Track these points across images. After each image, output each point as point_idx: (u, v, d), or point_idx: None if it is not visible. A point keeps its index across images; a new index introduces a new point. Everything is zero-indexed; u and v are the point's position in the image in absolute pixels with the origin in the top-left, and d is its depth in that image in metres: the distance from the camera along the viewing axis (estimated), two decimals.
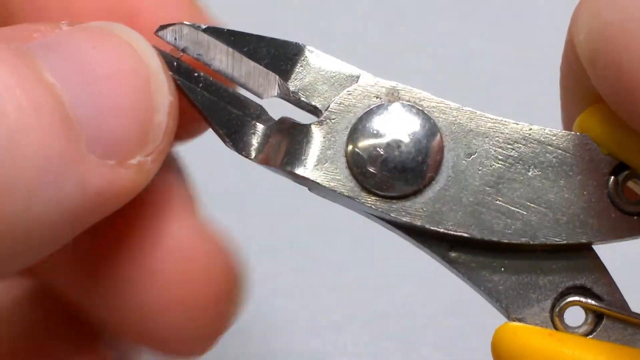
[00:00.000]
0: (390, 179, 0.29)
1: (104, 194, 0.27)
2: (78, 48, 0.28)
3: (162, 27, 0.31)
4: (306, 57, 0.31)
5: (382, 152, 0.29)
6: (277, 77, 0.30)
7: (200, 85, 0.30)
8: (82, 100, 0.27)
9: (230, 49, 0.30)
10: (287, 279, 0.54)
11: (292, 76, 0.30)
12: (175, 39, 0.30)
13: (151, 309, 0.30)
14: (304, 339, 0.57)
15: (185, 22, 0.30)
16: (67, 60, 0.27)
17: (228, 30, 0.31)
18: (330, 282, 0.54)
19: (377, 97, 0.30)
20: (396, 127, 0.30)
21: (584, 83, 0.29)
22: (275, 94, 0.31)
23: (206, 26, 0.31)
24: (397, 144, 0.30)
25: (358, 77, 0.30)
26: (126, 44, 0.28)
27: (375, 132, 0.30)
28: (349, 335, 0.56)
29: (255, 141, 0.30)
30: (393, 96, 0.30)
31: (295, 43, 0.31)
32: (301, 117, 0.31)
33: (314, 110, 0.31)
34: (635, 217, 0.29)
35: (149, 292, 0.30)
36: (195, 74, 0.30)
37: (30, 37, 0.28)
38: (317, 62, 0.31)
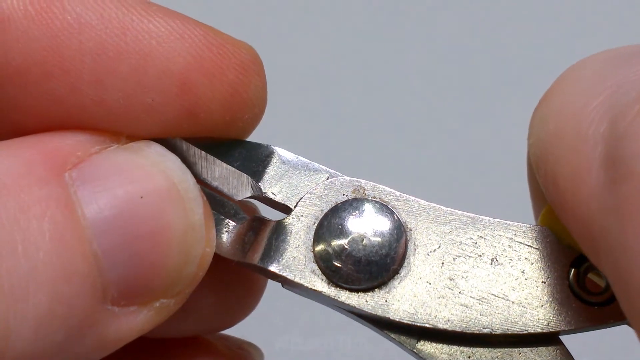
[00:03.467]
0: (356, 273, 0.30)
1: (121, 339, 0.28)
2: (119, 196, 0.27)
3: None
4: (276, 158, 0.32)
5: (347, 248, 0.30)
6: (250, 178, 0.32)
7: None
8: (118, 262, 0.27)
9: (204, 153, 0.31)
10: None
11: (264, 177, 0.32)
12: None
13: None
14: (304, 339, 0.58)
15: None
16: (108, 213, 0.27)
17: (200, 137, 0.31)
18: None
19: (343, 195, 0.31)
20: (361, 223, 0.31)
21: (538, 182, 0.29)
22: (249, 195, 0.32)
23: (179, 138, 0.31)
24: (362, 239, 0.30)
25: (326, 173, 0.32)
26: (172, 189, 0.28)
27: (340, 228, 0.31)
28: (349, 335, 0.57)
29: (228, 238, 0.31)
30: (358, 193, 0.31)
31: (265, 145, 0.32)
32: (274, 214, 0.32)
33: (286, 208, 0.32)
34: (596, 307, 0.30)
35: None
36: None
37: (68, 159, 0.27)
38: (287, 161, 0.32)
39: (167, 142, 0.31)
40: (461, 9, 0.63)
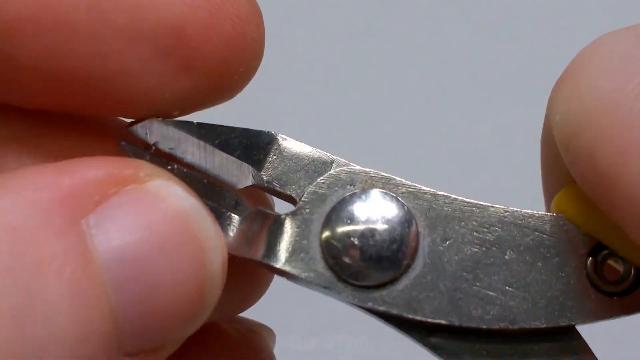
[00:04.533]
0: (366, 269, 0.29)
1: None
2: (138, 247, 0.26)
3: (132, 124, 0.30)
4: (279, 145, 0.30)
5: (356, 242, 0.29)
6: (251, 167, 0.30)
7: None
8: (134, 315, 0.26)
9: (202, 142, 0.30)
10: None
11: (266, 165, 0.30)
12: (146, 134, 0.30)
13: None
14: (304, 339, 0.57)
15: (154, 118, 0.30)
16: (127, 265, 0.26)
17: (198, 123, 0.30)
18: None
19: (350, 185, 0.30)
20: (370, 216, 0.29)
21: (561, 161, 0.28)
22: (250, 184, 0.30)
23: (175, 120, 0.30)
24: (372, 233, 0.29)
25: (332, 162, 0.30)
26: (192, 240, 0.27)
27: (349, 221, 0.29)
28: (349, 335, 0.56)
29: (230, 232, 0.30)
30: (367, 183, 0.30)
31: (267, 132, 0.30)
32: (278, 204, 0.31)
33: (290, 199, 0.30)
34: (615, 298, 0.29)
35: None
36: (169, 167, 0.30)
37: (85, 205, 0.26)
38: (290, 149, 0.30)
39: (164, 129, 0.30)
40: (462, 5, 0.63)
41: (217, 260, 0.28)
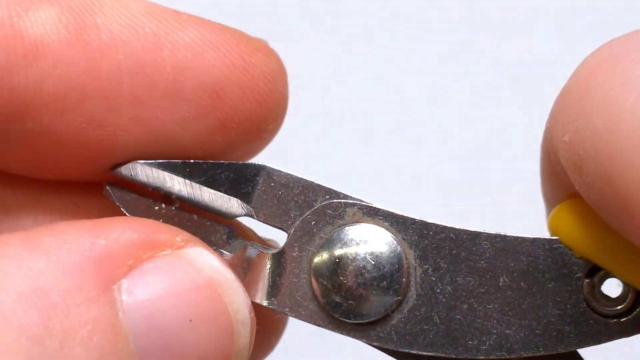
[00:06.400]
0: (358, 307, 0.29)
1: None
2: (167, 319, 0.26)
3: (115, 166, 0.30)
4: (266, 176, 0.30)
5: (346, 281, 0.29)
6: (239, 201, 0.30)
7: (162, 220, 0.30)
8: None
9: (187, 180, 0.30)
10: None
11: (254, 198, 0.30)
12: (131, 175, 0.30)
13: None
14: (304, 339, 0.57)
15: (137, 160, 0.30)
16: (155, 337, 0.26)
17: (182, 162, 0.30)
18: None
19: (339, 219, 0.29)
20: (359, 253, 0.29)
21: (562, 179, 0.28)
22: (241, 214, 0.30)
23: (159, 161, 0.30)
24: (361, 271, 0.29)
25: (321, 191, 0.30)
26: (222, 313, 0.27)
27: (337, 260, 0.29)
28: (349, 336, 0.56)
29: None
30: (355, 217, 0.29)
31: (253, 164, 0.30)
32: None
33: (280, 228, 0.30)
34: (613, 320, 0.29)
35: None
36: (156, 207, 0.30)
37: (118, 269, 0.26)
38: (278, 180, 0.30)
39: (148, 171, 0.29)
40: (458, 8, 0.62)
41: (245, 334, 0.27)
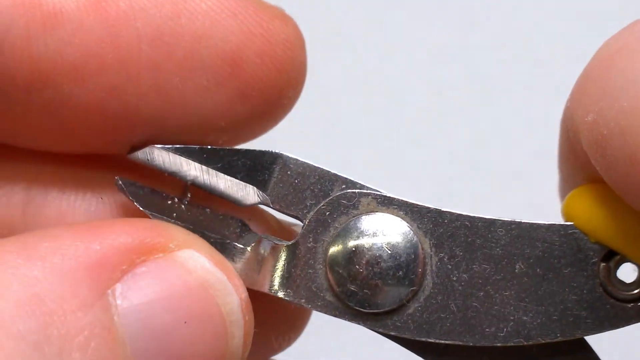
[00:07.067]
0: (374, 296, 0.29)
1: None
2: (162, 321, 0.26)
3: (132, 150, 0.30)
4: (283, 164, 0.30)
5: (362, 270, 0.29)
6: (255, 188, 0.30)
7: (175, 215, 0.29)
8: None
9: (204, 167, 0.29)
10: None
11: (271, 186, 0.30)
12: (147, 160, 0.29)
13: None
14: (304, 339, 0.57)
15: (154, 145, 0.29)
16: (150, 340, 0.26)
17: (199, 147, 0.30)
18: None
19: (354, 209, 0.29)
20: (375, 242, 0.29)
21: (581, 159, 0.28)
22: (256, 202, 0.30)
23: (176, 146, 0.30)
24: (377, 260, 0.29)
25: (336, 180, 0.29)
26: (215, 315, 0.27)
27: (353, 249, 0.29)
28: (349, 335, 0.56)
29: (235, 262, 0.29)
30: (370, 206, 0.29)
31: (270, 152, 0.30)
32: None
33: (297, 217, 0.30)
34: (630, 305, 0.28)
35: None
36: (169, 202, 0.30)
37: (112, 274, 0.26)
38: (294, 168, 0.30)
39: (165, 156, 0.29)
40: (460, 7, 0.62)
41: (238, 335, 0.27)
